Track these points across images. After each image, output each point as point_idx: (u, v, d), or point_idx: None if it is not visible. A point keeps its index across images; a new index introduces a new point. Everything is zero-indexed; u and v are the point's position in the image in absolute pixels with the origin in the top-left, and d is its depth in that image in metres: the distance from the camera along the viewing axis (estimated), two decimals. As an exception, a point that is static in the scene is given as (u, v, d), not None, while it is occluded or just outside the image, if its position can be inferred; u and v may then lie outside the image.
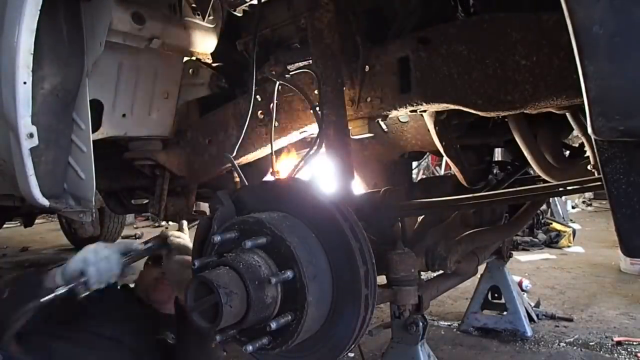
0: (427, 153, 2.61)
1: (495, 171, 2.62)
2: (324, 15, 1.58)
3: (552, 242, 5.76)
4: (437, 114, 1.89)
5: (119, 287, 1.73)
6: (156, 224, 8.80)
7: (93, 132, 1.77)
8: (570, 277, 4.40)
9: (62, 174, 1.69)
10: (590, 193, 9.05)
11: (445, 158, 2.09)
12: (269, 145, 1.83)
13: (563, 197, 7.20)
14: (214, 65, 2.25)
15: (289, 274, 1.15)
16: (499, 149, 3.04)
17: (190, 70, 2.17)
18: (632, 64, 0.78)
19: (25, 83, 1.44)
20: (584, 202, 9.64)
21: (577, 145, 2.69)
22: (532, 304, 3.42)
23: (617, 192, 0.89)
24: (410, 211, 1.94)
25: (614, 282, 4.18)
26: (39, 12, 1.42)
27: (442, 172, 8.23)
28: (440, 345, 2.92)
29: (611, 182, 0.90)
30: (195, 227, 1.40)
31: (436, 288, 2.06)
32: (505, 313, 3.06)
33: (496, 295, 3.13)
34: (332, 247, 1.23)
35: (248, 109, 1.75)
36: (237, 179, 2.14)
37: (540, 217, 5.41)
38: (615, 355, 2.73)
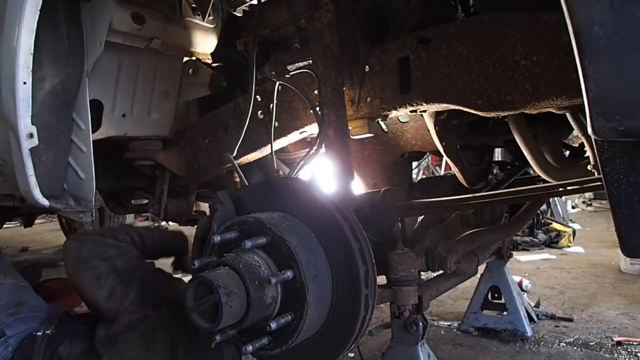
0: (427, 153, 2.61)
1: (495, 171, 2.62)
2: (324, 15, 1.58)
3: (552, 242, 5.76)
4: (437, 114, 1.89)
5: None
6: (156, 224, 8.80)
7: (93, 132, 1.77)
8: (570, 277, 4.40)
9: (62, 174, 1.69)
10: (590, 193, 9.06)
11: (445, 158, 2.09)
12: (269, 145, 1.84)
13: (563, 197, 7.20)
14: (214, 65, 2.25)
15: (289, 274, 1.15)
16: (499, 149, 3.04)
17: (190, 70, 2.17)
18: (632, 65, 0.78)
19: (25, 83, 1.45)
20: (584, 202, 9.65)
21: (577, 145, 2.69)
22: (532, 304, 3.42)
23: (617, 192, 0.89)
24: (410, 211, 1.94)
25: (614, 282, 4.18)
26: (38, 13, 1.42)
27: (442, 172, 8.23)
28: (440, 345, 2.92)
29: (611, 182, 0.90)
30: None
31: (436, 288, 2.06)
32: (505, 313, 3.06)
33: (496, 295, 3.12)
34: (332, 247, 1.23)
35: (248, 109, 1.75)
36: (237, 179, 2.15)
37: (540, 217, 5.40)
38: (615, 355, 2.73)
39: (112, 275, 1.56)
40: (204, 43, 2.10)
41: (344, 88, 1.65)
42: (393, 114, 1.70)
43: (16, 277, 1.90)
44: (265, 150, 1.98)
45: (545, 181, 2.10)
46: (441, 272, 1.93)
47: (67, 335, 1.66)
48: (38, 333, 1.65)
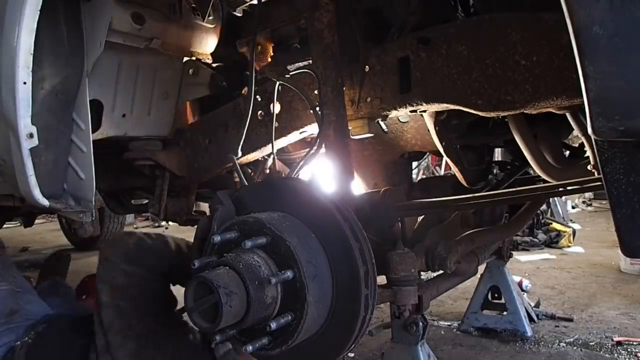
0: (427, 153, 2.61)
1: (495, 171, 2.62)
2: (324, 15, 1.58)
3: (552, 242, 5.76)
4: (437, 114, 1.89)
5: None
6: (156, 224, 8.80)
7: (93, 132, 1.77)
8: (570, 277, 4.40)
9: (62, 174, 1.69)
10: (590, 193, 9.06)
11: (445, 158, 2.09)
12: (269, 145, 1.83)
13: (563, 197, 7.20)
14: (214, 65, 2.25)
15: (289, 274, 1.15)
16: (499, 149, 3.04)
17: (190, 70, 2.17)
18: (632, 65, 0.78)
19: (25, 83, 1.44)
20: (584, 202, 9.64)
21: (577, 145, 2.69)
22: (532, 304, 3.42)
23: (617, 192, 0.89)
24: (410, 211, 1.94)
25: (614, 282, 4.18)
26: (39, 12, 1.42)
27: (442, 172, 8.23)
28: (440, 345, 2.92)
29: (611, 182, 0.90)
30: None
31: (436, 288, 2.06)
32: (505, 313, 3.06)
33: (496, 295, 3.12)
34: (332, 247, 1.23)
35: (248, 109, 1.75)
36: (237, 179, 2.15)
37: (540, 217, 5.40)
38: (615, 355, 2.73)
39: (110, 309, 1.56)
40: (204, 43, 2.10)
41: (344, 88, 1.65)
42: (393, 114, 1.70)
43: (14, 282, 1.85)
44: (265, 150, 1.98)
45: (545, 181, 2.10)
46: (441, 272, 1.93)
47: (53, 344, 1.64)
48: (17, 343, 1.63)
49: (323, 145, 1.61)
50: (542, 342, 2.92)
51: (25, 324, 1.69)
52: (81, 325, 1.65)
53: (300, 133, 1.90)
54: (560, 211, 7.01)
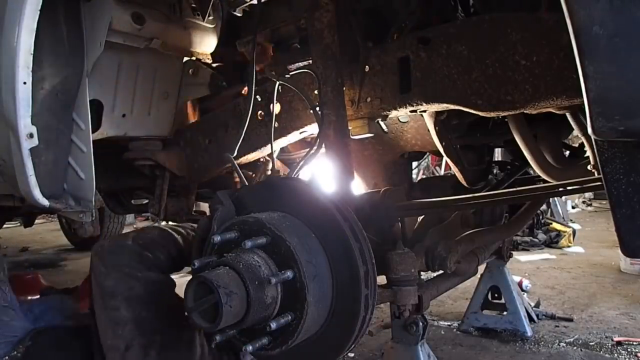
0: (427, 153, 2.61)
1: (495, 171, 2.62)
2: (324, 15, 1.58)
3: (552, 242, 5.76)
4: (437, 114, 1.89)
5: None
6: (156, 224, 8.80)
7: (93, 132, 1.77)
8: (570, 277, 4.40)
9: (62, 174, 1.69)
10: (590, 193, 9.06)
11: (445, 158, 2.09)
12: (269, 145, 1.83)
13: (563, 197, 7.20)
14: (214, 65, 2.25)
15: (289, 274, 1.15)
16: (499, 149, 3.04)
17: (190, 70, 2.17)
18: (632, 64, 0.78)
19: (25, 83, 1.45)
20: (584, 202, 9.65)
21: (577, 145, 2.69)
22: (532, 304, 3.42)
23: (617, 192, 0.89)
24: (410, 211, 1.94)
25: (614, 282, 4.18)
26: (39, 12, 1.42)
27: (442, 172, 8.23)
28: (440, 345, 2.92)
29: (611, 182, 0.90)
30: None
31: (436, 288, 2.06)
32: (505, 313, 3.06)
33: (496, 295, 3.13)
34: (332, 247, 1.23)
35: (248, 109, 1.75)
36: (237, 179, 2.15)
37: (540, 217, 5.40)
38: (615, 355, 2.73)
39: (130, 325, 1.43)
40: (204, 43, 2.10)
41: (344, 88, 1.65)
42: (393, 114, 1.70)
43: (2, 296, 1.77)
44: (265, 150, 1.98)
45: (545, 181, 2.10)
46: (441, 272, 1.93)
47: (48, 357, 1.62)
48: (6, 357, 1.61)
49: (323, 145, 1.61)
50: (542, 342, 2.92)
51: (8, 340, 1.64)
52: (78, 337, 1.60)
53: (300, 133, 1.90)
54: (560, 211, 7.02)
